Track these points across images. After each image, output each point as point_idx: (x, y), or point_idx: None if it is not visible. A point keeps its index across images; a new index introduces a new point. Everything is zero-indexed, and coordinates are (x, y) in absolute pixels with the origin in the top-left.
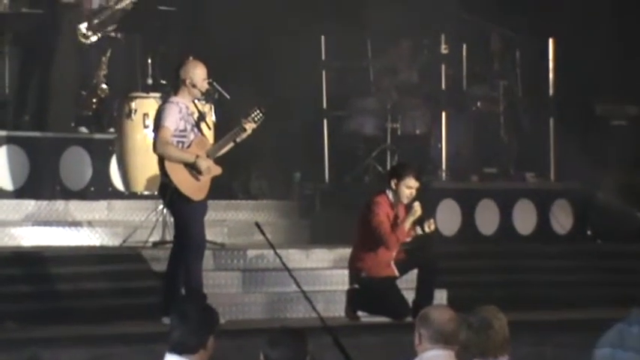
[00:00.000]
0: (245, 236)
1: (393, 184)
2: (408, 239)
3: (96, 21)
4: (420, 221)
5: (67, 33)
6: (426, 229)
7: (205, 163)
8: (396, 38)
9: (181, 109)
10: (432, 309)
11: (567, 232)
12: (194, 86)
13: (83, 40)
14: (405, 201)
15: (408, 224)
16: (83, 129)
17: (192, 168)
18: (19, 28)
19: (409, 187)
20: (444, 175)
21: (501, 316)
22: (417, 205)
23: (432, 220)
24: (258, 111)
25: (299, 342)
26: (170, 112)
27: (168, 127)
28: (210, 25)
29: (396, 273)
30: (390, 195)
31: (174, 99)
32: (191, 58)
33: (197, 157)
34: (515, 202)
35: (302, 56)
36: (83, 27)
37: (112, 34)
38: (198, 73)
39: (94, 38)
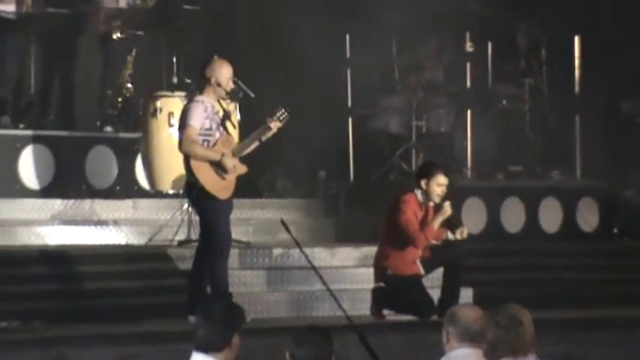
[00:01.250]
0: (270, 235)
1: (423, 184)
2: (437, 242)
3: (119, 20)
4: (449, 221)
5: (91, 33)
6: (458, 237)
7: (231, 161)
8: (421, 36)
9: (207, 108)
10: (459, 307)
11: (593, 230)
12: (219, 85)
13: (109, 38)
14: (437, 199)
15: (437, 223)
16: (109, 128)
17: (218, 166)
18: (44, 27)
19: (440, 184)
20: (469, 173)
21: (527, 313)
22: (447, 204)
23: (464, 229)
24: (283, 110)
25: (325, 340)
26: (196, 111)
27: (194, 126)
28: (235, 23)
29: (422, 271)
30: (419, 195)
31: (199, 98)
32: (216, 57)
33: (223, 155)
34: (541, 200)
35: (327, 54)
36: (110, 23)
37: (138, 33)
38: (224, 72)
39: (118, 35)
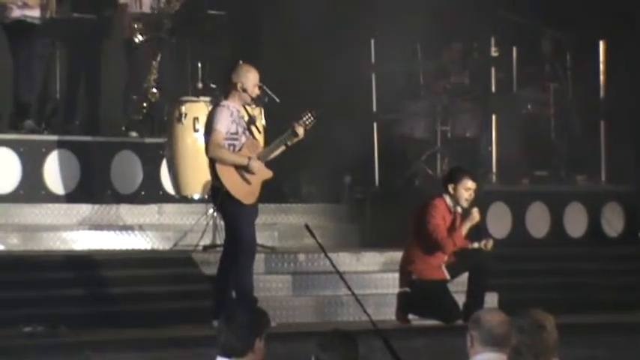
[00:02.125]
0: (295, 240)
1: (450, 188)
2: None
3: (143, 24)
4: (477, 228)
5: (116, 37)
6: (483, 247)
7: (257, 165)
8: (446, 41)
9: (232, 113)
10: (483, 312)
11: (618, 234)
12: (245, 91)
13: (133, 43)
14: (465, 204)
15: (465, 229)
16: (134, 133)
17: (245, 170)
18: (69, 32)
19: (467, 188)
20: (494, 177)
21: (551, 317)
22: (475, 211)
23: (490, 241)
24: (309, 114)
25: (350, 345)
26: (221, 115)
27: (220, 131)
28: (260, 29)
29: (447, 276)
30: (448, 200)
31: (224, 102)
32: (243, 62)
33: (249, 158)
34: (566, 205)
35: (352, 59)
36: (134, 27)
37: (163, 37)
38: (250, 78)
39: (140, 39)
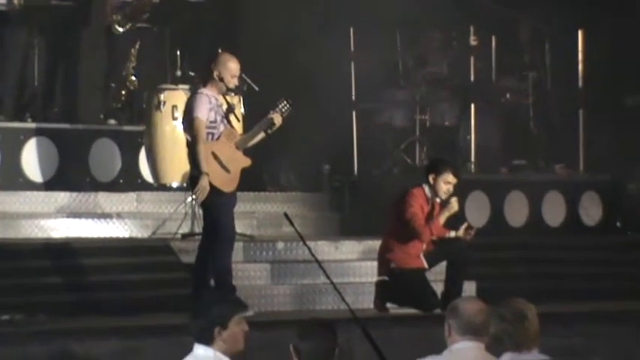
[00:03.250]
0: (274, 228)
1: (431, 178)
2: (438, 237)
3: (122, 14)
4: (455, 217)
5: (95, 25)
6: (462, 236)
7: (204, 183)
8: (425, 30)
9: (211, 101)
10: (461, 300)
11: (596, 223)
12: (221, 80)
13: (113, 30)
14: (443, 197)
15: (443, 219)
16: (112, 121)
17: (228, 157)
18: (48, 19)
19: (447, 182)
20: (472, 166)
21: (532, 307)
22: (454, 200)
23: (472, 231)
24: (285, 102)
25: (329, 334)
26: (200, 102)
27: (202, 119)
28: (239, 17)
29: (426, 265)
30: (427, 189)
31: (203, 90)
32: (223, 52)
33: (206, 174)
34: (545, 194)
35: (331, 48)
36: (114, 18)
37: (142, 25)
38: (229, 68)
39: (121, 29)
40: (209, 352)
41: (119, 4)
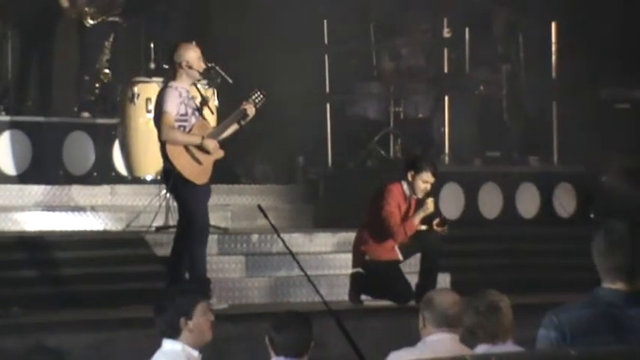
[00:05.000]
0: (248, 221)
1: (409, 176)
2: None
3: (94, 7)
4: (430, 218)
5: (68, 17)
6: (435, 227)
7: (212, 144)
8: (399, 22)
9: (181, 94)
10: (435, 293)
11: (570, 215)
12: (191, 67)
13: (85, 23)
14: (420, 195)
15: (418, 219)
16: (86, 114)
17: (199, 149)
18: (21, 12)
19: (425, 181)
20: (447, 158)
21: (506, 298)
22: (430, 201)
23: (445, 227)
24: (258, 93)
25: (304, 326)
26: (170, 96)
27: (170, 112)
28: (213, 9)
29: (400, 257)
30: (405, 186)
31: (172, 84)
32: (181, 41)
33: (203, 137)
34: (519, 186)
35: (305, 40)
36: (86, 10)
37: (116, 19)
38: (192, 55)
39: (92, 22)
40: (177, 345)
41: None
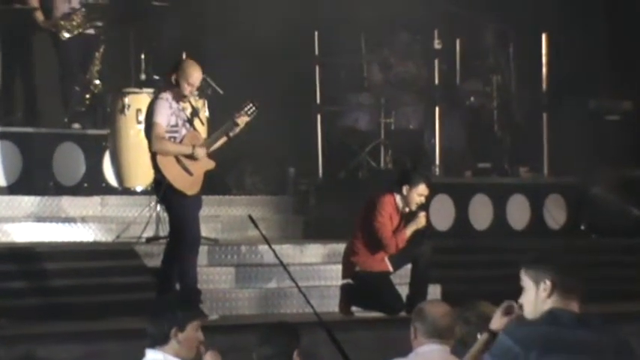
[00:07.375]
0: (239, 232)
1: (404, 190)
2: None
3: (70, 21)
4: (422, 232)
5: (44, 30)
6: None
7: (202, 152)
8: (389, 33)
9: (171, 105)
10: (427, 304)
11: (561, 226)
12: (177, 85)
13: (60, 37)
14: (414, 208)
15: (409, 232)
16: (76, 125)
17: (190, 159)
18: (3, 22)
19: (421, 194)
20: (437, 170)
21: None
22: (422, 215)
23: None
24: (250, 105)
25: (287, 338)
26: (160, 107)
27: (160, 123)
28: (203, 20)
29: (390, 268)
30: (398, 199)
31: (163, 95)
32: (186, 57)
33: (194, 147)
34: (509, 197)
35: (296, 51)
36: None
37: (92, 31)
38: (188, 74)
39: (67, 36)
40: (158, 355)
41: (68, 11)
